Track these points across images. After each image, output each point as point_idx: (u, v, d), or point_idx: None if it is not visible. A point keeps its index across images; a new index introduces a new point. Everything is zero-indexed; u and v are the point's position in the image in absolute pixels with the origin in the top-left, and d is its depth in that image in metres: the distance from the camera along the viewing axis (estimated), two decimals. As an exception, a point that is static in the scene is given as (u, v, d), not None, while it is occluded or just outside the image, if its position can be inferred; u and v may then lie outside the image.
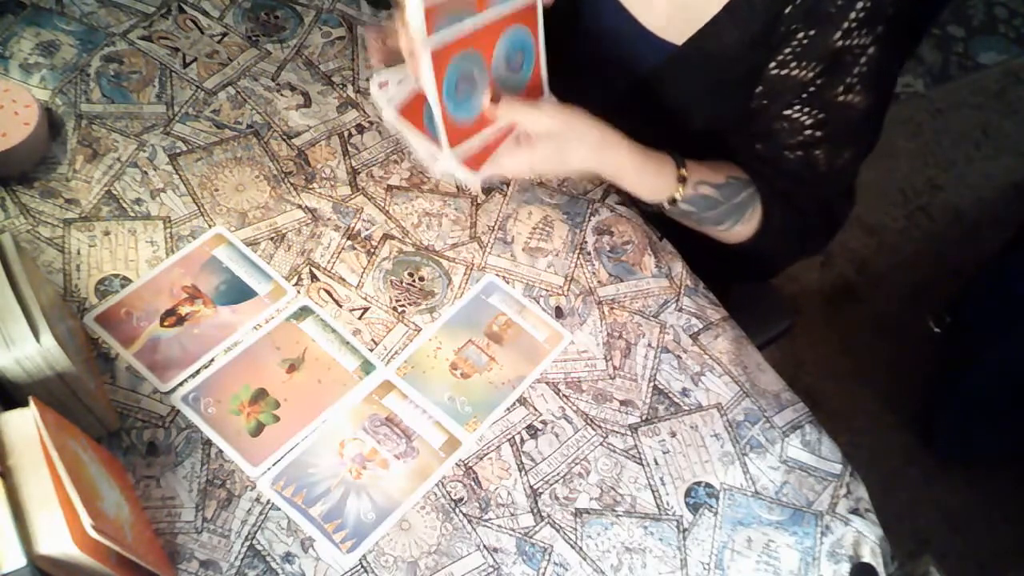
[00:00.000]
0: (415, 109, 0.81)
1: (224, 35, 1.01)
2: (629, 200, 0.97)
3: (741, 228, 0.90)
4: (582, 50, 0.96)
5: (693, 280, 0.93)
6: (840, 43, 0.79)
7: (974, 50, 2.34)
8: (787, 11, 0.80)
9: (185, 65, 0.97)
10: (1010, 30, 2.40)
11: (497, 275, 0.89)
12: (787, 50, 0.82)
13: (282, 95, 0.97)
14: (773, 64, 0.83)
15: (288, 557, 0.72)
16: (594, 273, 0.91)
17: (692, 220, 0.89)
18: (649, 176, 0.84)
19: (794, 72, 0.82)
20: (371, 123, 0.97)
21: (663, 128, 0.89)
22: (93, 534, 0.58)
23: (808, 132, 0.85)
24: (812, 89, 0.83)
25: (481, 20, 0.76)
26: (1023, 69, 2.33)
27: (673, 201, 0.85)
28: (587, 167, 0.82)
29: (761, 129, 0.88)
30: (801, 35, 0.80)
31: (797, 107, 0.84)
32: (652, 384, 0.85)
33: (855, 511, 0.81)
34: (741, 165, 0.89)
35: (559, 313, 0.88)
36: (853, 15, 0.77)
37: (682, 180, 0.84)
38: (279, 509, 0.74)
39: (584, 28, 0.96)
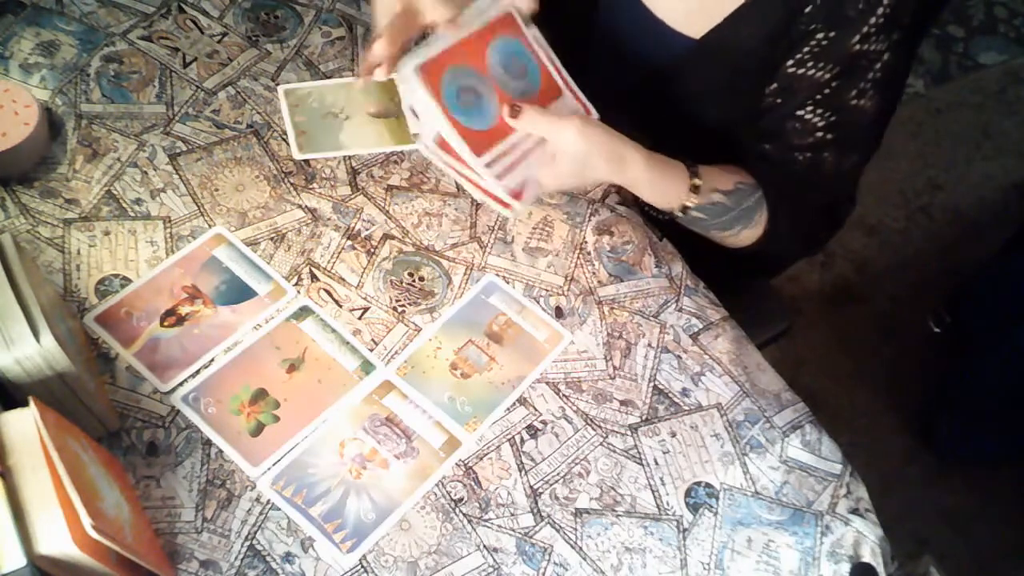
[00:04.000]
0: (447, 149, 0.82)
1: (224, 35, 1.01)
2: (630, 200, 0.97)
3: (748, 233, 0.90)
4: (599, 43, 0.96)
5: (693, 280, 0.93)
6: (857, 47, 0.79)
7: (974, 50, 2.34)
8: (807, 10, 0.80)
9: (185, 65, 0.97)
10: (1010, 30, 2.40)
11: (497, 275, 0.89)
12: (805, 49, 0.82)
13: (282, 95, 0.97)
14: (791, 62, 0.83)
15: (288, 557, 0.72)
16: (594, 273, 0.91)
17: (701, 227, 0.89)
18: (664, 186, 0.85)
19: (811, 72, 0.83)
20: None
21: (677, 123, 0.89)
22: (93, 534, 0.58)
23: (819, 134, 0.86)
24: (827, 91, 0.83)
25: (456, 38, 0.78)
26: (1023, 69, 2.33)
27: (685, 209, 0.86)
28: (606, 180, 0.85)
29: (772, 128, 0.88)
30: (820, 36, 0.80)
31: (810, 108, 0.84)
32: (652, 384, 0.85)
33: (855, 511, 0.81)
34: (747, 168, 0.90)
35: (559, 313, 0.88)
36: (873, 20, 0.78)
37: (695, 189, 0.85)
38: (279, 509, 0.74)
39: (601, 21, 0.96)
